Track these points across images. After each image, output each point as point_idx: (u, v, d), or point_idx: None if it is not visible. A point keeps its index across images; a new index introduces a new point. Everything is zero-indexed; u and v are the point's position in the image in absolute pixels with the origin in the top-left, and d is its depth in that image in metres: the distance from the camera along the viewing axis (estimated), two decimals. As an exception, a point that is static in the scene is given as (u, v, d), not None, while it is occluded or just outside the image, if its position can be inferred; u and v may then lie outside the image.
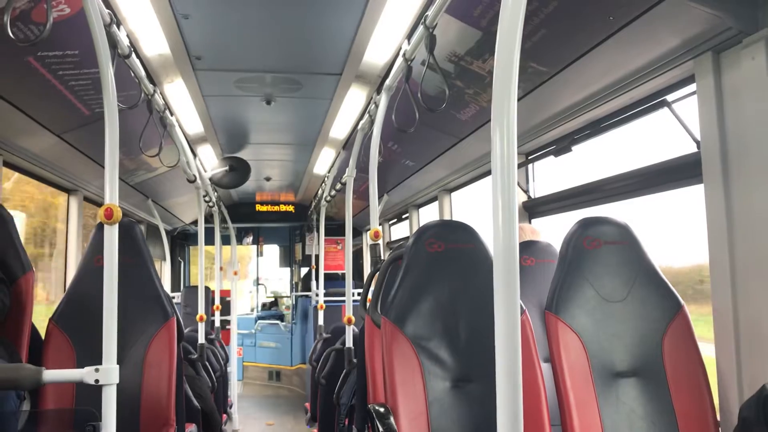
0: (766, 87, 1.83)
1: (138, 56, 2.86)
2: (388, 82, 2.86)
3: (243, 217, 9.15)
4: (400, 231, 6.88)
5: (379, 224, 3.67)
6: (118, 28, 2.36)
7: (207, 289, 6.67)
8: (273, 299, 11.21)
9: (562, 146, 3.22)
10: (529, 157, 3.64)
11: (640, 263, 2.32)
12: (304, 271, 9.75)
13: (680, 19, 2.00)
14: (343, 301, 3.88)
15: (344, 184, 3.89)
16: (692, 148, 2.29)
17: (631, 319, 2.26)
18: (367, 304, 2.78)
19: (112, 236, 1.97)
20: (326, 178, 6.01)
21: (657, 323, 2.24)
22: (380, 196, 5.78)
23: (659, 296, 2.27)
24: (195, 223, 8.00)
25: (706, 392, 2.13)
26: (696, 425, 2.11)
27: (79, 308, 2.74)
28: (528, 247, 3.02)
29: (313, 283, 7.95)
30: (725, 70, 2.02)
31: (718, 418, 2.09)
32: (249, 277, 12.93)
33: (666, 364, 2.19)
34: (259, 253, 11.13)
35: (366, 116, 3.44)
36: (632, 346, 2.23)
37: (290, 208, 9.31)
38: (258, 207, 9.24)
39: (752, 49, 1.87)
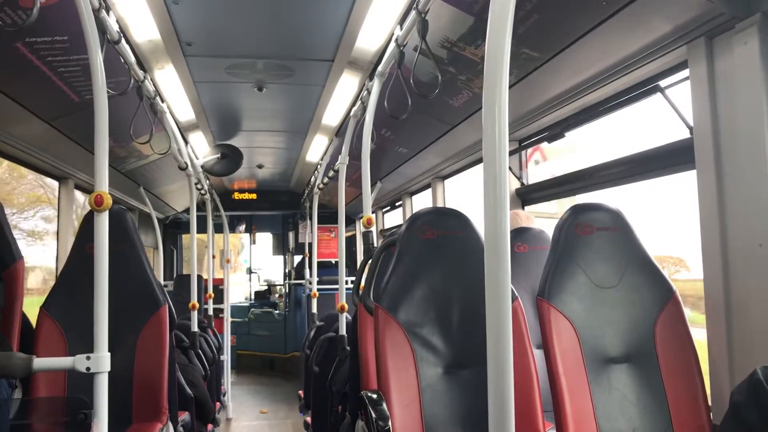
0: (759, 72, 1.83)
1: (128, 42, 2.84)
2: (380, 68, 2.84)
3: (235, 204, 9.12)
4: (393, 218, 6.88)
5: (372, 212, 3.66)
6: (108, 13, 2.33)
7: (199, 277, 6.67)
8: (266, 287, 11.21)
9: (555, 132, 3.22)
10: (523, 144, 3.64)
11: (632, 249, 2.32)
12: (297, 259, 9.74)
13: (673, 4, 1.99)
14: (336, 289, 3.87)
15: (337, 172, 3.88)
16: (685, 134, 2.29)
17: (623, 306, 2.26)
18: (360, 291, 2.78)
19: (102, 223, 1.96)
20: (319, 166, 5.99)
21: (649, 309, 2.25)
22: (373, 184, 5.77)
23: (651, 282, 2.27)
24: (187, 211, 7.98)
25: (697, 377, 2.14)
26: (688, 410, 2.12)
27: (70, 296, 2.73)
28: (521, 234, 3.02)
29: (306, 271, 7.94)
30: (718, 55, 2.01)
31: (710, 402, 2.10)
32: (240, 268, 12.89)
33: (658, 350, 2.20)
34: (252, 242, 11.11)
35: (358, 103, 3.42)
36: (624, 332, 2.24)
37: (283, 196, 9.29)
38: (250, 195, 9.21)
39: (745, 34, 1.87)
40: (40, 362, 1.84)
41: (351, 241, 8.89)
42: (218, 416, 5.24)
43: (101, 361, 1.88)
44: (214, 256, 7.87)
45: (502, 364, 1.11)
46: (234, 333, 9.61)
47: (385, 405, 2.14)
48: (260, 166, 7.50)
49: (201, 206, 6.09)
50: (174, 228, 9.41)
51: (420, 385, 2.20)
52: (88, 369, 1.86)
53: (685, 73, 2.22)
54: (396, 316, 2.27)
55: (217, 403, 5.57)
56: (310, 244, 5.98)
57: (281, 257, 10.90)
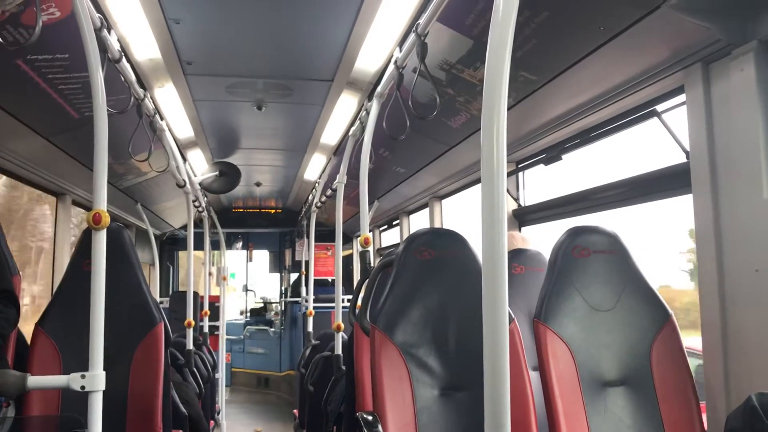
0: (755, 98, 1.84)
1: (128, 60, 2.85)
2: (379, 89, 2.86)
3: (233, 222, 9.12)
4: (391, 238, 6.87)
5: (370, 231, 3.66)
6: (109, 32, 2.35)
7: (196, 294, 6.66)
8: (262, 305, 11.17)
9: (552, 155, 3.23)
10: (520, 165, 3.65)
11: (628, 273, 2.32)
12: (293, 276, 9.73)
13: (670, 30, 2.01)
14: (333, 308, 3.86)
15: (335, 191, 3.88)
16: (681, 158, 2.30)
17: (619, 329, 2.26)
18: (357, 311, 2.77)
19: (100, 241, 1.96)
20: (317, 184, 6.01)
21: (645, 333, 2.25)
22: (371, 203, 5.77)
23: (648, 306, 2.28)
24: (184, 227, 7.98)
25: (693, 402, 2.13)
26: (683, 435, 2.11)
27: (66, 313, 2.72)
28: (518, 255, 3.02)
29: (303, 289, 7.93)
30: (714, 81, 2.03)
31: (706, 427, 2.09)
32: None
33: (654, 374, 2.20)
34: (249, 259, 11.08)
35: (357, 123, 3.44)
36: (620, 356, 2.23)
37: (280, 214, 9.29)
38: (248, 212, 9.21)
39: (741, 60, 1.88)
40: (34, 380, 1.83)
41: (348, 260, 8.89)
42: (212, 435, 5.21)
43: (96, 379, 1.87)
44: (210, 274, 7.85)
45: (499, 386, 1.11)
46: (229, 350, 9.57)
47: (380, 427, 2.13)
48: (258, 184, 7.52)
49: (198, 223, 6.09)
50: (171, 244, 9.40)
51: (416, 407, 2.19)
52: (82, 387, 1.85)
53: (682, 98, 2.23)
54: (392, 336, 2.26)
55: (212, 422, 5.54)
56: (307, 262, 5.97)
57: (278, 275, 10.88)
